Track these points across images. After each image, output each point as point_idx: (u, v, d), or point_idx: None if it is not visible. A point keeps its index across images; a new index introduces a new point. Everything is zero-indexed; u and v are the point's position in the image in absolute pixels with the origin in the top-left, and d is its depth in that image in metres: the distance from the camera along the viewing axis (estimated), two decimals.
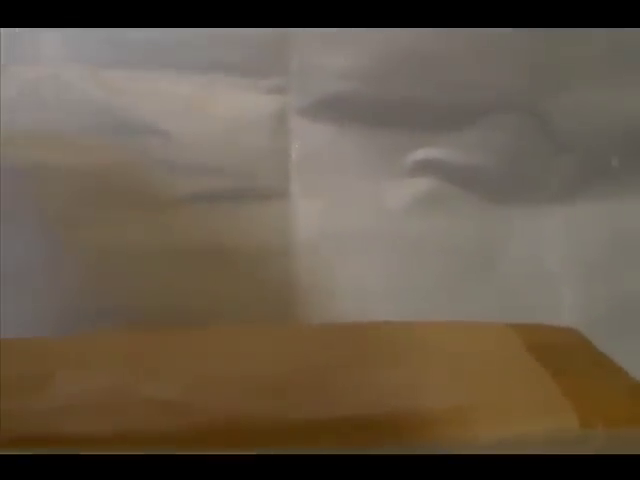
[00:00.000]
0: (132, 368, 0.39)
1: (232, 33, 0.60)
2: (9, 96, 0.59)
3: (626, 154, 0.64)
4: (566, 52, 0.62)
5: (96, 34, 0.60)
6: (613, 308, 0.64)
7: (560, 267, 0.65)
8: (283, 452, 0.33)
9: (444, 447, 0.35)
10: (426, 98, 0.63)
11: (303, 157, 0.63)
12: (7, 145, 0.58)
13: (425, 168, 0.64)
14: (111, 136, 0.61)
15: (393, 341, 0.43)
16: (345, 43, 0.61)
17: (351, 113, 0.63)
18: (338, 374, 0.39)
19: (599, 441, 0.36)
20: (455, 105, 0.63)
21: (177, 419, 0.35)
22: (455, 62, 0.62)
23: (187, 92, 0.62)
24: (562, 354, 0.42)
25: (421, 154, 0.64)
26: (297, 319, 0.62)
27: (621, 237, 0.65)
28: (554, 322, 0.62)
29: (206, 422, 0.35)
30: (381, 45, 0.61)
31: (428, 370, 0.40)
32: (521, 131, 0.64)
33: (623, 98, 0.63)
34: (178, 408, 0.35)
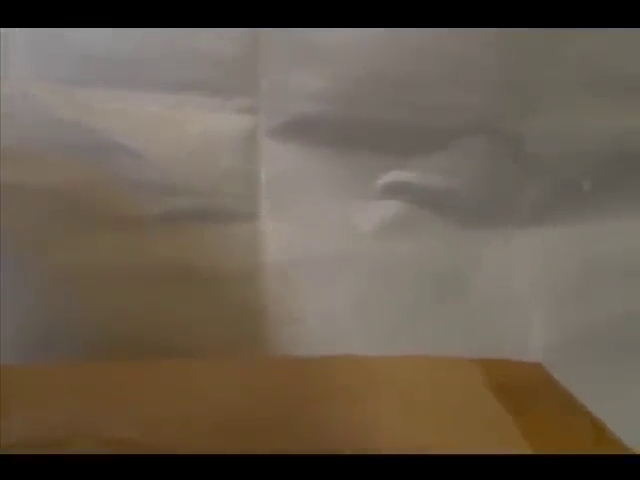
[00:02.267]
0: (89, 403, 0.38)
1: (202, 52, 0.60)
2: None
3: (596, 178, 0.64)
4: (536, 75, 0.62)
5: (65, 51, 0.60)
6: (582, 333, 0.64)
7: (530, 292, 0.65)
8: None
9: None
10: (396, 121, 0.63)
11: (272, 178, 0.63)
12: None
13: (395, 191, 0.64)
14: (80, 155, 0.61)
15: (353, 377, 0.43)
16: (315, 64, 0.61)
17: (321, 134, 0.63)
18: (299, 411, 0.39)
19: None
20: (425, 128, 0.63)
21: None
22: (425, 85, 0.62)
23: (157, 111, 0.61)
24: (525, 393, 0.42)
25: (391, 177, 0.64)
26: (264, 342, 0.61)
27: (591, 261, 0.65)
28: (523, 349, 0.62)
29: None
30: (352, 67, 0.61)
31: (385, 409, 0.39)
32: (492, 154, 0.64)
33: (593, 122, 0.63)
34: (138, 448, 0.35)
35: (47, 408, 0.37)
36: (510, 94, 0.63)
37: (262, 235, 0.63)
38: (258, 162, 0.63)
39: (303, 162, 0.63)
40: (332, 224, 0.64)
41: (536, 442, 0.36)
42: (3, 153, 0.59)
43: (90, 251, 0.61)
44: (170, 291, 0.61)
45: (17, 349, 0.58)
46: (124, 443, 0.35)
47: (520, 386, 0.43)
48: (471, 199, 0.65)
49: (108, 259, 0.61)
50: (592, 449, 0.37)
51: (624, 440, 0.39)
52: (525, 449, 0.36)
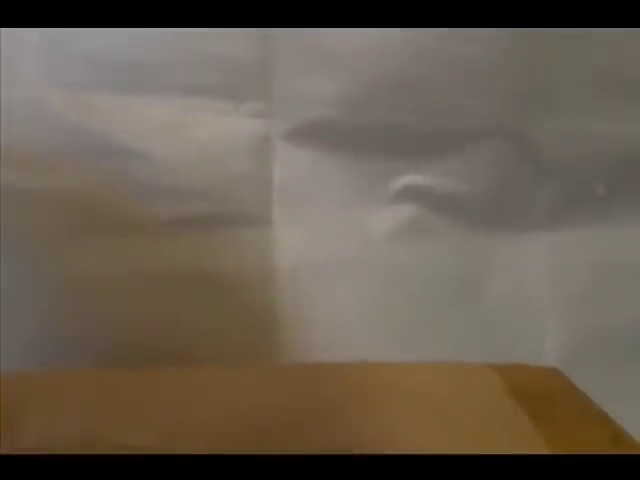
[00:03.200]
0: (105, 410, 0.38)
1: (215, 56, 0.60)
2: None
3: (610, 182, 0.64)
4: (552, 79, 0.62)
5: (78, 56, 0.59)
6: (596, 338, 0.64)
7: (544, 296, 0.64)
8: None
9: None
10: (410, 124, 0.62)
11: (285, 183, 0.63)
12: None
13: (408, 195, 0.64)
14: (94, 159, 0.60)
15: (368, 384, 0.42)
16: (329, 68, 0.61)
17: (334, 139, 0.62)
18: (314, 418, 0.38)
19: None
20: (439, 131, 0.63)
21: None
22: (440, 88, 0.62)
23: (169, 115, 0.61)
24: (544, 398, 0.42)
25: (404, 181, 0.64)
26: (277, 347, 0.61)
27: (605, 265, 0.65)
28: (538, 353, 0.62)
29: None
30: (365, 70, 0.61)
31: (402, 416, 0.39)
32: (506, 158, 0.64)
33: (607, 126, 0.63)
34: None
35: (63, 415, 0.37)
36: (525, 98, 0.62)
37: (275, 240, 0.63)
38: (271, 167, 0.62)
39: (316, 166, 0.63)
40: (345, 229, 0.64)
41: (558, 447, 0.36)
42: (18, 157, 0.59)
43: (105, 256, 0.60)
44: (184, 296, 0.61)
45: (33, 355, 0.58)
46: (141, 450, 0.34)
47: (539, 391, 0.43)
48: (485, 203, 0.64)
49: (122, 264, 0.61)
50: (611, 452, 0.37)
51: None
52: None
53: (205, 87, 0.61)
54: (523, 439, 0.37)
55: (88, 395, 0.40)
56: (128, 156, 0.60)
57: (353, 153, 0.63)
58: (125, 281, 0.60)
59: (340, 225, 0.64)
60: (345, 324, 0.62)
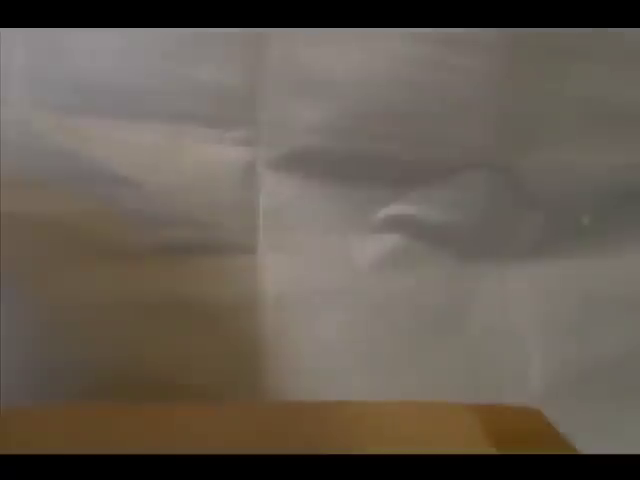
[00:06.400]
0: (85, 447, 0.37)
1: (201, 82, 0.60)
2: None
3: (596, 213, 0.64)
4: (536, 110, 0.62)
5: (63, 80, 0.59)
6: (582, 371, 0.64)
7: (529, 328, 0.64)
8: None
9: None
10: (396, 154, 0.62)
11: (271, 210, 0.62)
12: None
13: (394, 224, 0.64)
14: (77, 185, 0.60)
15: (348, 425, 0.42)
16: (315, 97, 0.61)
17: (321, 167, 0.62)
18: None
19: None
20: (425, 161, 0.63)
21: None
22: (426, 119, 0.62)
23: (155, 142, 0.61)
24: (522, 440, 0.41)
25: (390, 210, 0.64)
26: (263, 376, 0.61)
27: (590, 297, 0.65)
28: (522, 385, 0.62)
29: None
30: (352, 100, 0.61)
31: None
32: (491, 188, 0.64)
33: (592, 157, 0.63)
34: None
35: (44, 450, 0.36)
36: (510, 129, 0.62)
37: (261, 268, 0.62)
38: (257, 194, 0.62)
39: (302, 195, 0.63)
40: (331, 257, 0.64)
41: None
42: (1, 182, 0.58)
43: (88, 284, 0.60)
44: (168, 325, 0.60)
45: (17, 387, 0.57)
46: None
47: (518, 433, 0.43)
48: (470, 233, 0.65)
49: (106, 293, 0.60)
50: None
51: None
52: None
53: (191, 114, 0.61)
54: None
55: (59, 434, 0.39)
56: (113, 182, 0.60)
57: (340, 182, 0.63)
58: (109, 310, 0.60)
59: (326, 254, 0.63)
60: (328, 353, 0.62)
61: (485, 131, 0.63)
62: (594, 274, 0.65)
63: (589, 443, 0.44)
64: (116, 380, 0.57)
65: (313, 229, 0.63)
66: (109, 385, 0.57)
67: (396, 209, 0.64)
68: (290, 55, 0.60)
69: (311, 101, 0.61)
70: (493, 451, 0.40)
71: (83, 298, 0.59)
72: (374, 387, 0.61)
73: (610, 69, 0.61)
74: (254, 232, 0.62)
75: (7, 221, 0.58)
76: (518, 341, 0.64)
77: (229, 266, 0.62)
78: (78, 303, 0.59)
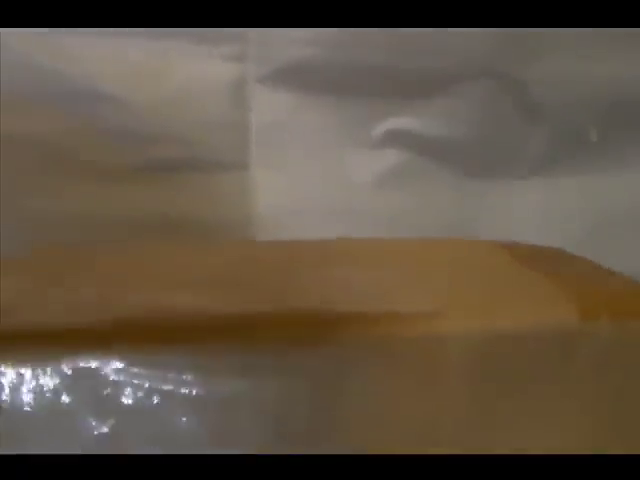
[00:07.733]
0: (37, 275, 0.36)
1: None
2: None
3: (605, 126, 0.61)
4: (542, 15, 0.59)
5: None
6: None
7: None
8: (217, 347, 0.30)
9: (416, 343, 0.31)
10: (393, 65, 0.60)
11: (263, 127, 0.60)
12: None
13: (393, 139, 0.61)
14: (62, 103, 0.58)
15: (366, 250, 0.40)
16: None
17: (314, 81, 0.60)
18: (302, 273, 0.36)
19: (603, 335, 0.32)
20: (424, 72, 0.60)
21: (95, 314, 0.31)
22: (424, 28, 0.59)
23: (140, 59, 0.58)
24: (554, 261, 0.39)
25: (389, 124, 0.61)
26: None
27: (595, 213, 0.62)
28: None
29: (127, 316, 0.31)
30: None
31: (402, 276, 0.36)
32: (494, 100, 0.61)
33: (602, 67, 0.60)
34: (94, 306, 0.32)
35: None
36: (511, 37, 0.59)
37: (252, 186, 0.60)
38: (248, 110, 0.60)
39: (295, 110, 0.60)
40: (327, 175, 0.61)
41: (575, 294, 0.32)
42: None
43: (73, 201, 0.59)
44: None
45: None
46: (77, 302, 0.33)
47: (549, 257, 0.41)
48: (473, 147, 0.62)
49: (92, 209, 0.59)
50: (634, 300, 0.34)
51: None
52: (562, 300, 0.32)
53: (178, 30, 0.58)
54: (532, 288, 0.34)
55: (24, 266, 0.39)
56: (98, 99, 0.58)
57: (334, 95, 0.61)
58: (94, 228, 0.58)
59: (322, 171, 0.61)
60: None
61: (487, 39, 0.59)
62: (601, 189, 0.62)
63: None
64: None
65: (309, 145, 0.61)
66: None
67: (396, 123, 0.61)
68: None
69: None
70: (525, 269, 0.38)
71: (67, 217, 0.58)
72: None
73: None
74: (246, 149, 0.60)
75: None
76: None
77: (219, 183, 0.60)
78: (62, 222, 0.58)
